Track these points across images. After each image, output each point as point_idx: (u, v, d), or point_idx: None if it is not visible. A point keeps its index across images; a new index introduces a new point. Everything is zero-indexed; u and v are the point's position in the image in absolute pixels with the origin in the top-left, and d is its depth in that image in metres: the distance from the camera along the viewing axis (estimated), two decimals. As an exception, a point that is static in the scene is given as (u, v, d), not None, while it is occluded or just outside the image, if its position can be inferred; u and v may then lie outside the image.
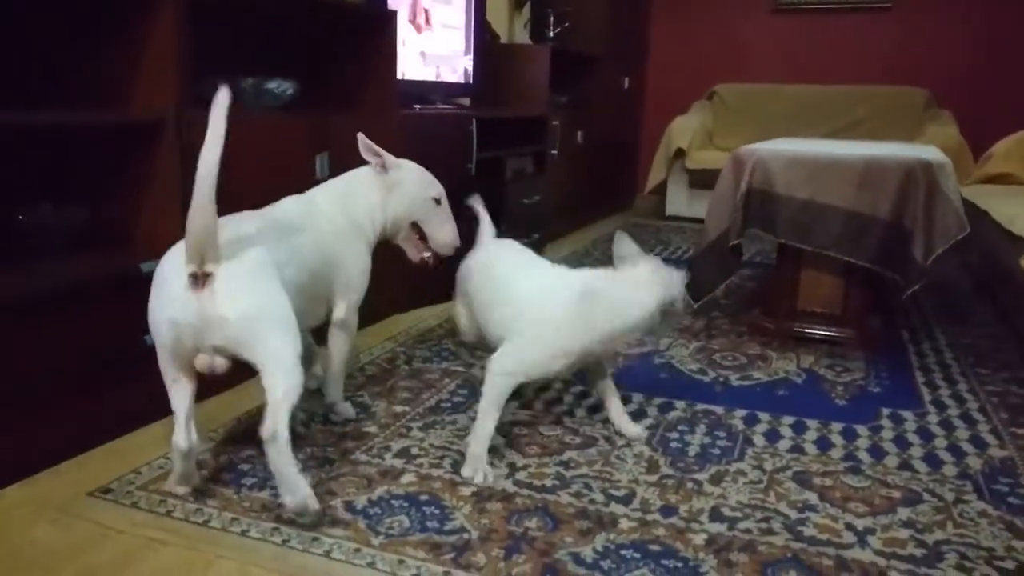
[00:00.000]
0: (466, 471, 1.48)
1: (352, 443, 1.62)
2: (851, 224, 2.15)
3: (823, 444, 1.67)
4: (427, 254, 1.78)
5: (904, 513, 1.39)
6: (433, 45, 3.05)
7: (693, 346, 2.33)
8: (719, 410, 1.84)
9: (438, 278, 2.08)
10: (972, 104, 4.53)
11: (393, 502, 1.39)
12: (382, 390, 1.92)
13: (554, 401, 1.87)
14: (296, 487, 1.25)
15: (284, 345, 1.28)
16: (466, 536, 1.29)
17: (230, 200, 1.34)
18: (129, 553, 1.23)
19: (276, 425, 1.23)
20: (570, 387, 1.95)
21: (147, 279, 1.32)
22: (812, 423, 1.78)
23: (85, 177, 1.77)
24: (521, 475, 1.50)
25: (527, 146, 3.41)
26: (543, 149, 3.58)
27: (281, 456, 1.23)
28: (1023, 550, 1.29)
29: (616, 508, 1.38)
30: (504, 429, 1.67)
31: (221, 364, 1.29)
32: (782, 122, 4.59)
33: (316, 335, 1.79)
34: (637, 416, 1.78)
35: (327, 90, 2.38)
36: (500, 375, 1.49)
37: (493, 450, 1.55)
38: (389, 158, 1.68)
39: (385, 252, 1.78)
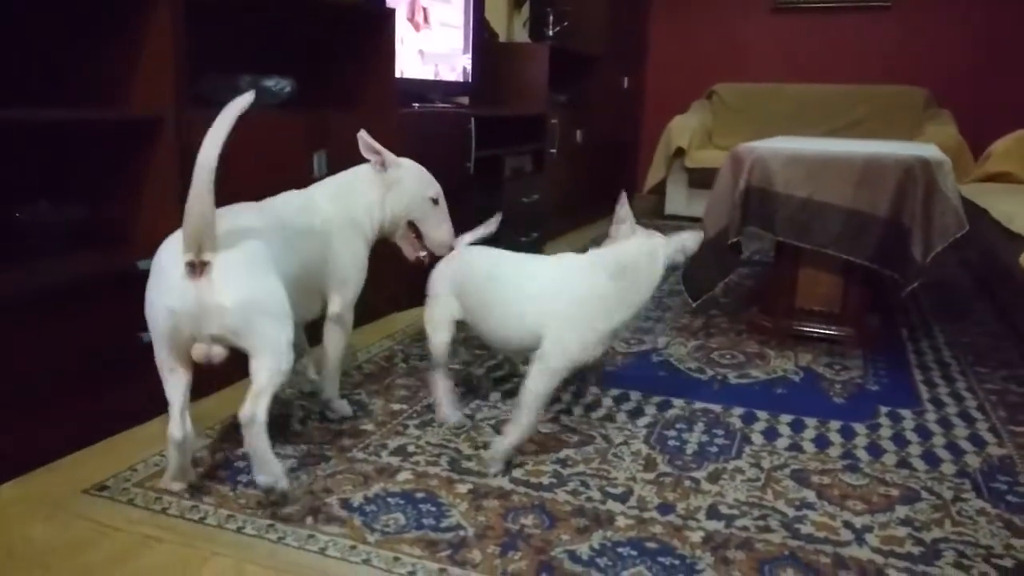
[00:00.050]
0: (495, 466, 1.49)
1: (349, 440, 1.62)
2: (850, 222, 2.14)
3: (821, 442, 1.67)
4: (423, 253, 1.78)
5: (902, 511, 1.39)
6: (432, 43, 3.05)
7: (691, 344, 2.33)
8: (717, 408, 1.84)
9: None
10: (971, 103, 4.53)
11: (389, 499, 1.38)
12: (379, 388, 1.92)
13: (551, 399, 1.86)
14: (269, 466, 1.28)
15: (278, 333, 1.29)
16: (462, 533, 1.28)
17: (227, 198, 1.35)
18: (125, 550, 1.23)
19: (256, 409, 1.25)
20: (567, 386, 1.94)
21: (145, 277, 1.31)
22: (810, 421, 1.78)
23: (84, 176, 1.76)
24: (518, 473, 1.50)
25: (526, 145, 3.41)
26: (542, 148, 3.58)
27: (257, 438, 1.26)
28: (1021, 548, 1.29)
29: (613, 506, 1.38)
30: (500, 427, 1.67)
31: (218, 353, 1.29)
32: (782, 121, 4.59)
33: (311, 335, 1.79)
34: (635, 414, 1.78)
35: (325, 88, 2.38)
36: (549, 372, 1.47)
37: (486, 446, 1.55)
38: (389, 156, 1.68)
39: (384, 250, 1.78)
